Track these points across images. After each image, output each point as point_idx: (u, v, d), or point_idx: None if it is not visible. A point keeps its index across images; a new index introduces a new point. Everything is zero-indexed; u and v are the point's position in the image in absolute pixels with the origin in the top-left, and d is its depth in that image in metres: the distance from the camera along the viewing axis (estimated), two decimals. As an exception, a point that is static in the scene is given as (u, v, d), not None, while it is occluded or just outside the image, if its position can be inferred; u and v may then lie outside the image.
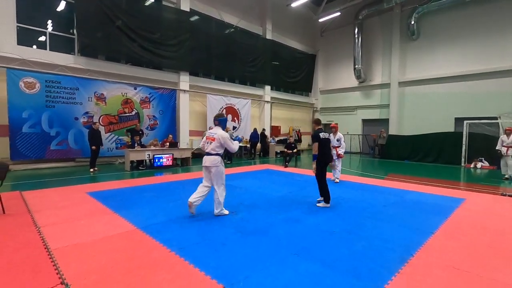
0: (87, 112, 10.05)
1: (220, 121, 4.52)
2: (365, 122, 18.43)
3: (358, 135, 18.21)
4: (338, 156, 7.50)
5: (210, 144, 4.37)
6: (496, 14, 13.27)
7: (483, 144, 11.87)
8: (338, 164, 7.60)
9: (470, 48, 14.12)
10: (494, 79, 13.40)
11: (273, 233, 3.69)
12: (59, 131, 9.47)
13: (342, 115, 19.32)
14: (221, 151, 4.40)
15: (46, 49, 9.45)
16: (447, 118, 14.73)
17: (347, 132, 18.59)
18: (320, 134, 5.21)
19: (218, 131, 4.39)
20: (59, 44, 9.80)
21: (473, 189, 6.92)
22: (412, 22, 15.37)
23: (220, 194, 4.35)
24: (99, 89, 10.29)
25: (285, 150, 10.93)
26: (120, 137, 10.88)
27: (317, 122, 5.62)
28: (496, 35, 13.35)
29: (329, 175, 7.69)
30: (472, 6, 13.80)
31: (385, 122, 16.99)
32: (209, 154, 4.36)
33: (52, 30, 9.69)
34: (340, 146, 7.55)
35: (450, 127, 14.49)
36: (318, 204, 5.11)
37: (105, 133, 10.45)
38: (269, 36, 16.44)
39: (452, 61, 14.64)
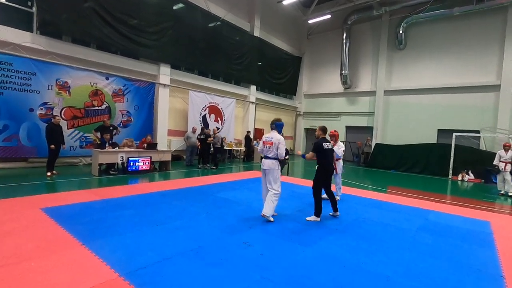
0: (45, 103, 8.33)
1: (277, 125, 4.70)
2: (349, 129, 18.19)
3: (342, 141, 17.82)
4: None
5: (269, 148, 4.53)
6: (481, 30, 13.54)
7: (469, 156, 11.96)
8: (339, 180, 6.76)
9: (454, 62, 14.31)
10: (476, 93, 13.65)
11: (312, 281, 2.72)
12: (7, 124, 7.69)
13: (326, 121, 18.86)
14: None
15: (-6, 22, 7.64)
16: (430, 129, 14.83)
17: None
18: (323, 144, 4.83)
19: (274, 135, 4.57)
20: (13, 18, 7.99)
21: (488, 208, 6.52)
22: (401, 32, 15.33)
23: (271, 194, 4.51)
24: (62, 76, 8.61)
25: (277, 156, 9.97)
26: (85, 134, 9.25)
27: (323, 130, 5.05)
28: (479, 50, 13.62)
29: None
30: (458, 20, 13.99)
31: (369, 129, 16.85)
32: (267, 158, 4.56)
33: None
34: (339, 159, 6.74)
35: (433, 138, 14.60)
36: (308, 218, 4.78)
37: (67, 128, 8.78)
38: (256, 33, 15.49)
39: (437, 73, 14.78)
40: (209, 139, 10.02)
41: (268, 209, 4.42)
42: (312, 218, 4.75)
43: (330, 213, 5.04)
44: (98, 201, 5.09)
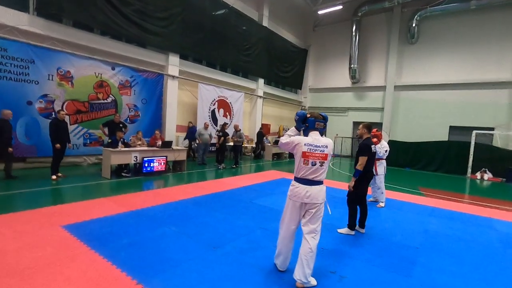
0: (45, 95, 7.32)
1: (315, 121, 2.68)
2: (357, 124, 17.74)
3: (350, 138, 17.47)
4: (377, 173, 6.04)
5: (321, 166, 2.58)
6: (497, 25, 13.24)
7: (486, 154, 11.71)
8: (381, 184, 6.17)
9: (468, 57, 14.01)
10: (490, 90, 13.42)
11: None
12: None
13: (332, 116, 18.28)
14: None
15: (-16, 0, 6.55)
16: (441, 126, 14.57)
17: (337, 134, 17.81)
18: (372, 146, 4.13)
19: (327, 141, 2.64)
20: (6, -4, 6.91)
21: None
22: (413, 25, 14.87)
23: (315, 246, 2.58)
24: (64, 65, 7.60)
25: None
26: (90, 131, 8.30)
27: (368, 127, 4.26)
28: (494, 46, 13.34)
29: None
30: (474, 14, 13.63)
31: (378, 126, 16.42)
32: (313, 182, 2.59)
33: (-5, -26, 6.75)
34: (380, 160, 6.15)
35: (444, 135, 14.36)
36: (340, 230, 4.14)
37: (70, 124, 7.81)
38: (265, 22, 14.64)
39: (449, 68, 14.46)
40: (233, 137, 9.27)
41: (308, 272, 2.54)
42: (345, 230, 4.14)
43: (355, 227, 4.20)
44: (126, 213, 4.30)
